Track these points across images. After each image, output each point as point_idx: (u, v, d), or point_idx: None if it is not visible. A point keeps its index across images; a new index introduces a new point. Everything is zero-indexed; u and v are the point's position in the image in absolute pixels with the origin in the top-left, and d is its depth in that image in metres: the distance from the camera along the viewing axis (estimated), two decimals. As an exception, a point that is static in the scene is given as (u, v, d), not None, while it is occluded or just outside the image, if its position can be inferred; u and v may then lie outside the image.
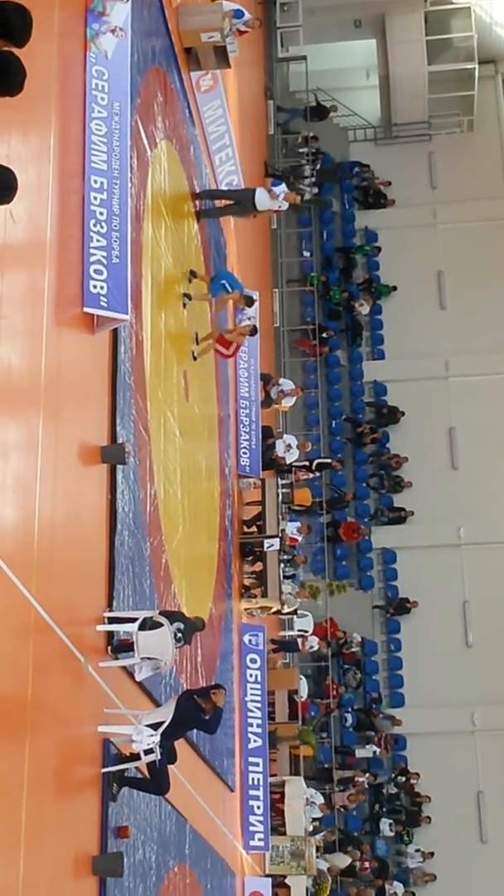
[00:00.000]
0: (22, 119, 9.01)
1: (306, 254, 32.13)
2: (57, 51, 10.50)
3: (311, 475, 24.83)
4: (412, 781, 27.76)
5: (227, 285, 17.72)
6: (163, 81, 15.87)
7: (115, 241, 11.22)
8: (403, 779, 27.71)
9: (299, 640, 23.77)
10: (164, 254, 15.27)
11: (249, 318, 21.87)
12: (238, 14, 18.21)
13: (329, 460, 26.43)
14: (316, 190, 31.86)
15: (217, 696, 11.77)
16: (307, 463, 24.65)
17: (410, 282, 32.58)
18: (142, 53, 14.21)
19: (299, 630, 24.47)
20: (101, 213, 11.13)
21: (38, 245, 9.58)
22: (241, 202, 18.86)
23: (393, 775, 27.74)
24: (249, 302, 18.94)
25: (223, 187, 20.20)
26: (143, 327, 13.40)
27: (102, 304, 10.87)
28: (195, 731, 12.80)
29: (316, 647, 24.41)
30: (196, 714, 11.62)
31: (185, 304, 16.21)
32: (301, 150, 32.00)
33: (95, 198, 11.11)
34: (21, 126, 9.05)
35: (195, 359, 16.84)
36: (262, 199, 18.63)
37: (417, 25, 34.22)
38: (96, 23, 11.70)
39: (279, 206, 18.93)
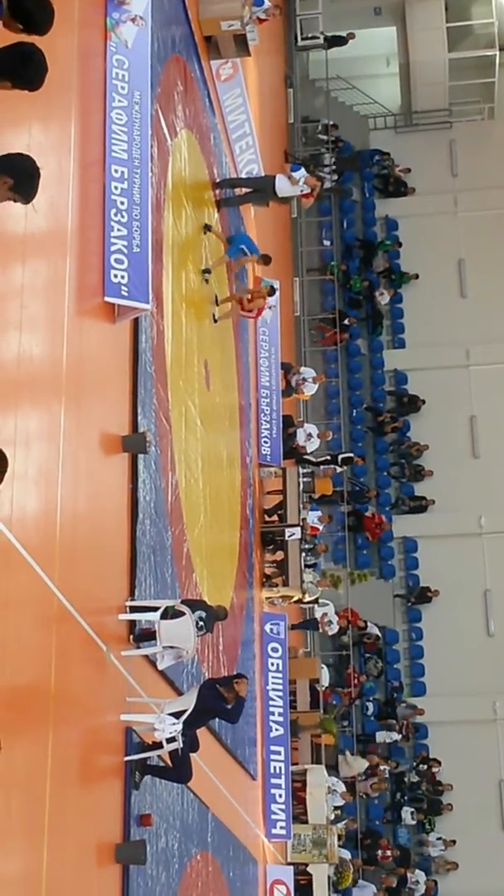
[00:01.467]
0: (42, 109, 9.02)
1: (326, 243, 32.05)
2: (77, 40, 10.51)
3: (337, 469, 24.80)
4: (433, 770, 27.75)
5: (245, 249, 17.78)
6: (183, 70, 15.85)
7: (136, 231, 11.23)
8: (425, 767, 27.70)
9: (318, 618, 23.72)
10: (185, 243, 15.27)
11: (270, 307, 21.92)
12: (258, 2, 18.19)
13: (352, 455, 26.39)
14: (336, 178, 31.77)
15: (240, 685, 11.79)
16: (329, 457, 24.60)
17: (431, 270, 32.46)
18: (162, 42, 14.20)
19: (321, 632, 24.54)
20: (122, 203, 11.14)
21: (60, 235, 9.60)
22: (262, 190, 18.83)
23: (414, 763, 27.74)
24: (267, 260, 18.83)
25: (243, 176, 20.18)
26: (164, 316, 13.40)
27: (123, 293, 10.88)
28: (217, 719, 12.81)
29: (335, 624, 24.32)
30: (218, 703, 11.65)
31: (206, 280, 16.23)
32: (321, 138, 31.91)
33: (116, 187, 11.12)
34: (42, 116, 9.06)
35: (216, 321, 16.82)
36: (282, 185, 18.59)
37: (438, 12, 34.04)
38: (116, 12, 11.70)
39: (301, 191, 18.85)
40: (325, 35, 31.61)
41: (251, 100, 20.84)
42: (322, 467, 23.47)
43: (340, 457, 25.20)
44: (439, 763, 27.71)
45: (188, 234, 15.52)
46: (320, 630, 24.27)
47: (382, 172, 33.77)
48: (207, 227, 16.55)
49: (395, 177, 33.60)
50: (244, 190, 19.02)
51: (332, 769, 23.58)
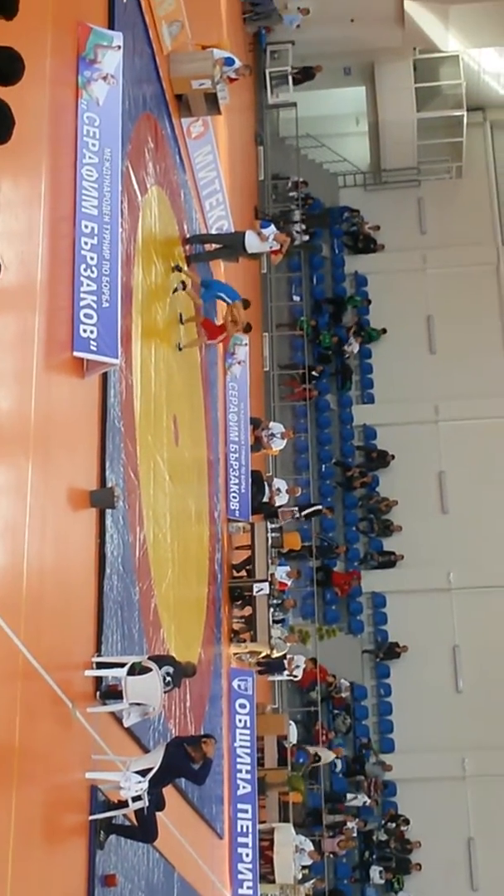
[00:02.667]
0: (13, 164, 9.06)
1: (296, 298, 32.26)
2: (49, 97, 10.58)
3: (299, 518, 24.81)
4: (402, 828, 27.55)
5: (224, 297, 17.85)
6: (154, 128, 15.97)
7: (106, 286, 11.26)
8: (393, 825, 27.49)
9: (285, 661, 23.52)
10: (154, 298, 15.32)
11: (239, 363, 22.00)
12: (228, 62, 18.35)
13: (319, 507, 26.40)
14: (306, 235, 32.01)
15: (207, 745, 11.65)
16: (295, 509, 24.60)
17: (400, 326, 32.70)
18: (133, 100, 14.32)
19: (287, 675, 24.33)
20: (92, 258, 11.18)
21: (29, 289, 9.61)
22: (231, 246, 18.92)
23: (383, 821, 27.53)
24: (246, 305, 18.82)
25: (213, 232, 20.29)
26: (133, 371, 13.42)
27: (92, 348, 10.89)
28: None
29: (303, 666, 24.15)
30: (185, 763, 11.51)
31: (175, 290, 16.25)
32: (291, 195, 32.16)
33: (86, 242, 11.16)
34: (12, 171, 9.10)
35: (180, 349, 16.70)
36: (251, 241, 18.68)
37: (406, 73, 34.52)
38: (88, 70, 11.80)
39: (270, 248, 18.95)
40: (293, 68, 31.63)
41: (221, 157, 20.99)
42: (284, 513, 23.40)
43: (305, 511, 25.23)
44: (408, 822, 27.51)
45: (158, 290, 15.57)
46: (287, 673, 24.04)
47: (352, 229, 34.09)
48: (177, 268, 16.57)
49: (364, 234, 33.91)
50: (214, 246, 19.12)
51: (300, 827, 23.36)
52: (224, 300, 18.11)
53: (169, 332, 16.14)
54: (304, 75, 31.52)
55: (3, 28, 6.80)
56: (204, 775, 11.85)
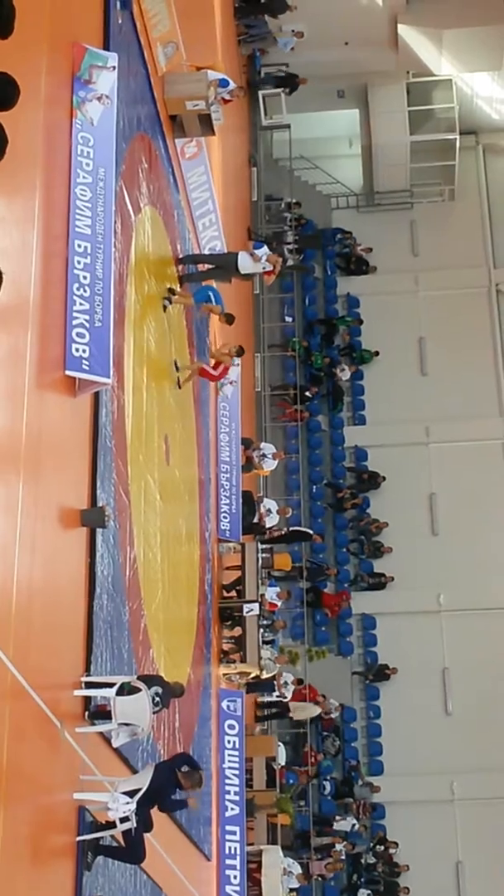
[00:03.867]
0: (7, 183, 9.07)
1: (288, 319, 32.32)
2: (43, 117, 10.60)
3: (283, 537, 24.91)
4: (391, 851, 27.45)
5: (211, 297, 17.87)
6: (148, 148, 16.02)
7: (98, 305, 11.27)
8: (382, 848, 27.39)
9: (274, 681, 23.50)
10: (147, 318, 15.34)
11: (231, 384, 22.01)
12: (223, 83, 18.42)
13: (308, 531, 26.38)
14: (299, 256, 32.09)
15: (190, 783, 11.50)
16: (284, 530, 24.61)
17: (392, 348, 32.77)
18: (127, 120, 14.36)
19: (277, 697, 24.30)
20: (85, 277, 11.19)
21: (21, 308, 9.61)
22: (224, 266, 18.95)
23: (371, 844, 27.44)
24: (230, 320, 18.87)
25: (206, 252, 20.34)
26: (125, 391, 13.42)
27: (84, 367, 10.89)
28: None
29: (290, 685, 24.14)
30: (172, 788, 11.46)
31: (165, 307, 16.30)
32: (284, 216, 32.26)
33: (79, 262, 11.17)
34: (6, 190, 9.11)
35: (179, 387, 16.88)
36: (244, 262, 18.72)
37: (400, 96, 34.68)
38: (83, 90, 11.84)
39: (262, 268, 18.99)
40: (280, 71, 31.46)
41: (215, 178, 21.06)
42: (270, 532, 23.41)
43: (290, 529, 25.33)
44: (396, 844, 27.42)
45: (151, 310, 15.59)
46: (277, 693, 24.03)
47: (344, 251, 34.19)
48: (171, 292, 16.62)
49: (356, 255, 34.02)
50: (207, 266, 19.15)
51: (288, 850, 23.28)
52: (210, 300, 18.11)
53: (161, 352, 16.16)
54: (288, 83, 31.22)
55: (-2, 47, 6.83)
56: (176, 807, 11.80)
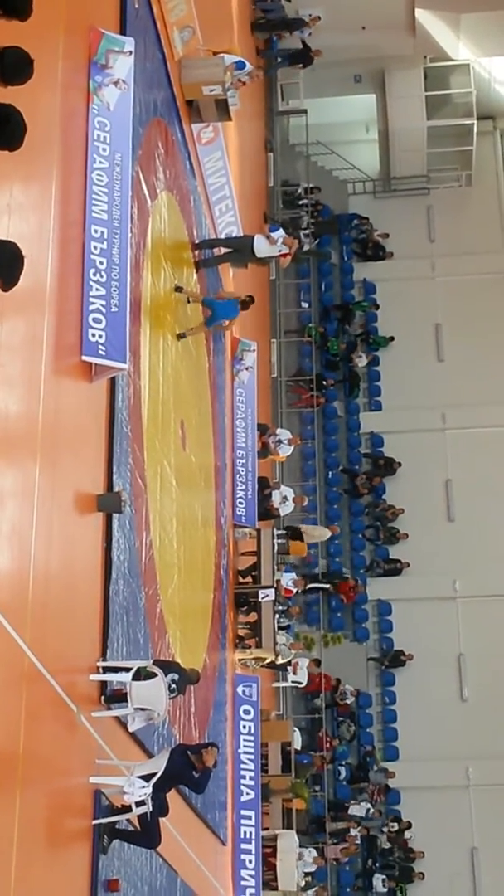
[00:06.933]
0: (24, 169, 9.07)
1: (304, 305, 32.24)
2: (60, 102, 10.60)
3: (304, 590, 24.91)
4: (405, 834, 27.48)
5: (220, 312, 17.70)
6: (164, 133, 16.00)
7: (115, 291, 11.27)
8: (395, 827, 27.40)
9: (289, 666, 23.48)
10: (163, 303, 15.33)
11: (247, 369, 22.02)
12: (240, 65, 18.38)
13: (327, 586, 26.39)
14: (315, 242, 32.02)
15: (208, 754, 11.64)
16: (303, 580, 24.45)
17: (408, 334, 32.71)
18: (144, 105, 14.34)
19: (293, 681, 24.34)
20: (101, 263, 11.19)
21: (38, 293, 9.62)
22: (240, 250, 18.91)
23: (384, 824, 27.41)
24: (246, 306, 18.59)
25: (222, 237, 20.29)
26: (141, 376, 13.42)
27: (101, 352, 10.90)
28: (186, 784, 12.68)
29: (305, 670, 24.09)
30: (187, 770, 11.51)
31: (181, 337, 16.17)
32: (300, 203, 32.17)
33: (95, 247, 11.17)
34: (23, 176, 9.11)
35: (181, 337, 16.30)
36: (260, 245, 18.67)
37: (417, 81, 34.56)
38: (99, 75, 11.83)
39: (279, 251, 18.91)
40: (303, 45, 30.24)
41: (231, 163, 21.01)
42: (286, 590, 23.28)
43: (310, 584, 25.44)
44: (410, 825, 27.44)
45: (166, 295, 15.58)
46: (292, 673, 24.00)
47: (361, 237, 34.10)
48: (178, 289, 16.38)
49: (373, 241, 33.93)
50: (223, 250, 19.11)
51: (303, 834, 23.33)
52: (222, 322, 18.08)
53: (177, 337, 16.13)
54: (303, 58, 30.13)
55: (16, 30, 6.82)
56: (204, 784, 11.85)
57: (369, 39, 32.52)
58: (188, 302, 16.66)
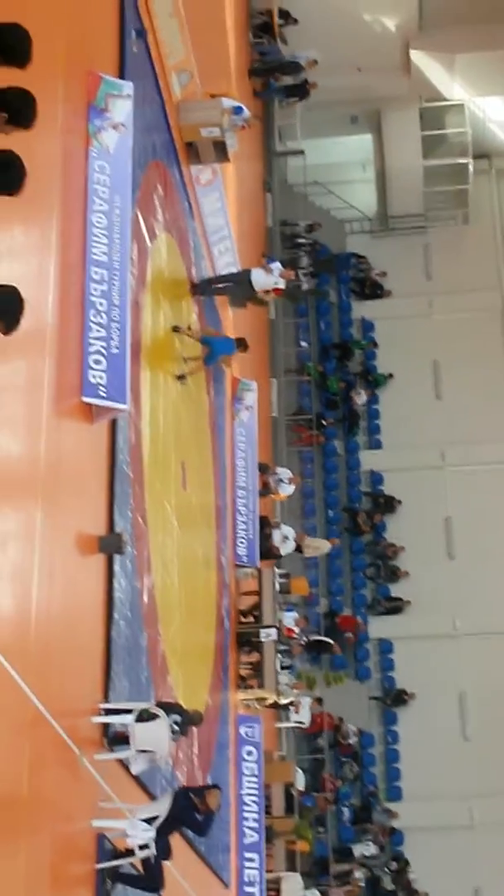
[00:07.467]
0: (24, 211, 9.13)
1: (304, 344, 32.35)
2: (60, 145, 10.68)
3: (305, 644, 24.81)
4: (409, 875, 27.25)
5: (216, 351, 17.68)
6: (163, 175, 16.09)
7: (115, 332, 11.31)
8: (395, 866, 27.14)
9: (292, 706, 23.34)
10: (163, 344, 15.37)
11: (247, 408, 22.03)
12: (237, 111, 18.51)
13: (329, 641, 26.33)
14: (313, 281, 32.15)
15: (211, 797, 11.58)
16: (304, 636, 24.40)
17: (407, 372, 32.81)
18: (143, 148, 14.43)
19: (295, 721, 24.20)
20: (101, 304, 11.23)
21: (39, 335, 9.65)
22: (239, 283, 19.02)
23: (386, 862, 27.13)
24: (243, 347, 18.61)
25: (220, 274, 20.33)
26: (142, 417, 13.44)
27: (101, 394, 10.92)
28: (189, 826, 12.60)
29: (307, 709, 23.91)
30: (190, 813, 11.45)
31: (181, 377, 16.15)
32: (299, 242, 32.31)
33: (96, 289, 11.22)
34: (24, 218, 9.17)
35: (181, 378, 16.32)
36: (258, 278, 18.79)
37: (413, 121, 34.82)
38: (98, 118, 11.91)
39: (275, 283, 19.01)
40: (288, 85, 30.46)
41: (230, 204, 21.13)
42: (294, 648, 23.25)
43: (312, 637, 25.36)
44: (408, 863, 27.20)
45: (166, 336, 15.62)
46: (294, 713, 23.87)
47: (359, 276, 34.24)
48: (177, 329, 16.36)
49: (371, 280, 34.08)
50: (222, 284, 19.21)
51: (307, 877, 23.14)
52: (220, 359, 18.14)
53: (177, 378, 16.16)
54: (299, 91, 30.25)
55: (15, 77, 6.86)
56: (207, 826, 11.77)
57: (365, 80, 32.79)
58: (189, 336, 16.66)
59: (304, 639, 24.45)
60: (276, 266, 19.03)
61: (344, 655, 29.02)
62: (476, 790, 28.24)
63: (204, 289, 18.59)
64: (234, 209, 22.13)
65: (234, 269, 20.72)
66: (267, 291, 19.23)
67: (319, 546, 24.99)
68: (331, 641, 26.21)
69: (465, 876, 27.58)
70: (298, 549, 23.74)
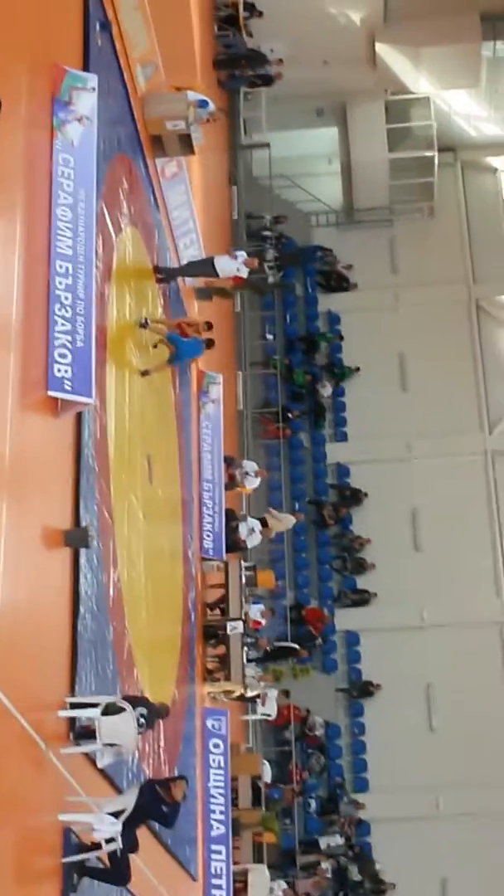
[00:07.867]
0: (-12, 206, 9.10)
1: (269, 337, 32.37)
2: (24, 138, 10.63)
3: (269, 650, 24.73)
4: (376, 866, 27.31)
5: (183, 350, 17.64)
6: (128, 168, 16.06)
7: (80, 326, 11.29)
8: (357, 850, 27.21)
9: (258, 699, 23.36)
10: (129, 338, 15.35)
11: (213, 401, 22.04)
12: (202, 104, 18.48)
13: (295, 646, 26.26)
14: (280, 274, 32.17)
15: (176, 788, 11.61)
16: (266, 644, 24.34)
17: (373, 364, 32.87)
18: (108, 141, 14.39)
19: (262, 714, 24.23)
20: (66, 298, 11.21)
21: (3, 329, 9.63)
22: (203, 265, 19.15)
23: (346, 850, 27.19)
24: (209, 328, 18.62)
25: (183, 264, 20.31)
26: (107, 410, 13.42)
27: (67, 387, 10.90)
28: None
29: (274, 702, 23.90)
30: (157, 805, 11.47)
31: (144, 374, 16.09)
32: (265, 235, 32.31)
33: (60, 282, 11.19)
34: (-13, 212, 9.14)
35: (144, 374, 16.16)
36: (222, 264, 18.83)
37: (378, 114, 34.86)
38: (63, 111, 11.87)
39: (237, 270, 19.02)
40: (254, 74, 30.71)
41: (195, 197, 21.11)
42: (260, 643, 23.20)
43: (276, 645, 25.34)
44: (362, 848, 27.32)
45: (132, 330, 15.60)
46: (261, 705, 23.88)
47: (324, 268, 34.27)
48: (143, 325, 16.25)
49: (337, 272, 34.11)
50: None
51: (274, 869, 23.20)
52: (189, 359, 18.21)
53: (140, 374, 16.14)
54: (264, 79, 30.77)
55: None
56: (173, 818, 11.80)
57: (331, 73, 32.84)
58: (154, 347, 16.61)
59: (269, 647, 24.42)
60: (241, 254, 19.09)
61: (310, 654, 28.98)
62: (442, 781, 28.39)
63: (170, 269, 18.59)
64: (199, 202, 22.11)
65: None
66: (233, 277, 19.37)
67: (283, 520, 24.81)
68: (296, 647, 26.10)
69: (432, 866, 27.73)
70: (264, 523, 23.57)
